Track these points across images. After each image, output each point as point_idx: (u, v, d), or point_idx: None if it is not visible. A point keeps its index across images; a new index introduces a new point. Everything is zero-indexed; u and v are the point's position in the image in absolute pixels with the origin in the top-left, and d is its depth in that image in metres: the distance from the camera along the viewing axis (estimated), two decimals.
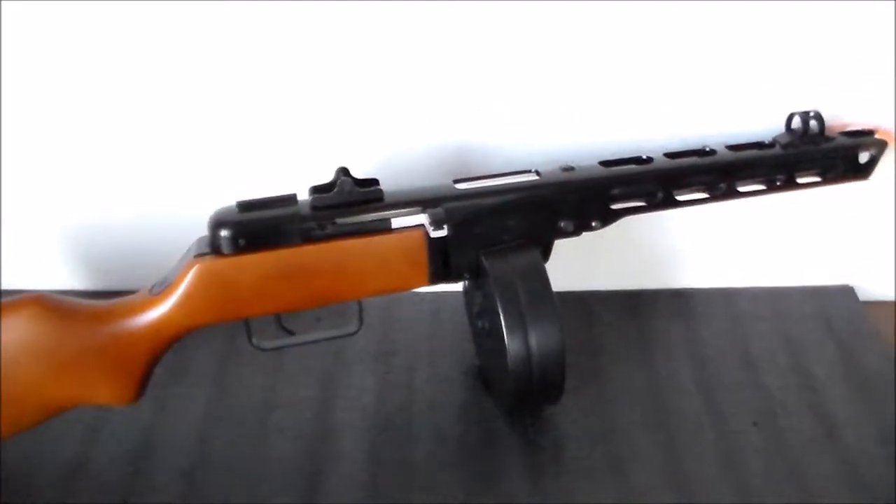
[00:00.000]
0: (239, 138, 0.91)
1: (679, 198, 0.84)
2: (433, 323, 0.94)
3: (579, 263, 0.94)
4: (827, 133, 0.86)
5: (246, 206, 0.75)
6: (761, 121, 0.88)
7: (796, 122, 0.86)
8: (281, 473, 0.79)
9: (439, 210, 0.77)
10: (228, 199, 0.77)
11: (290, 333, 0.80)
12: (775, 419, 0.83)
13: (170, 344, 0.77)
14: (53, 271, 0.97)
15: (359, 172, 0.78)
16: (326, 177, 0.77)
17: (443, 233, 0.76)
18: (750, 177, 0.85)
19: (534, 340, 0.76)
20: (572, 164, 0.82)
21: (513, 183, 0.80)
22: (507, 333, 0.76)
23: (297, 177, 0.81)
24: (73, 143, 0.91)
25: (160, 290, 0.76)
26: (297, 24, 0.85)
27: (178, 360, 0.88)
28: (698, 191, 0.85)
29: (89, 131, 0.90)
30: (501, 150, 0.90)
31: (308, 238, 0.75)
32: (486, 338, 0.83)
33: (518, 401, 0.80)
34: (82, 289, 0.98)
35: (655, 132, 0.89)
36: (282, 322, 0.80)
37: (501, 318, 0.76)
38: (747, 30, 0.85)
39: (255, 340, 0.79)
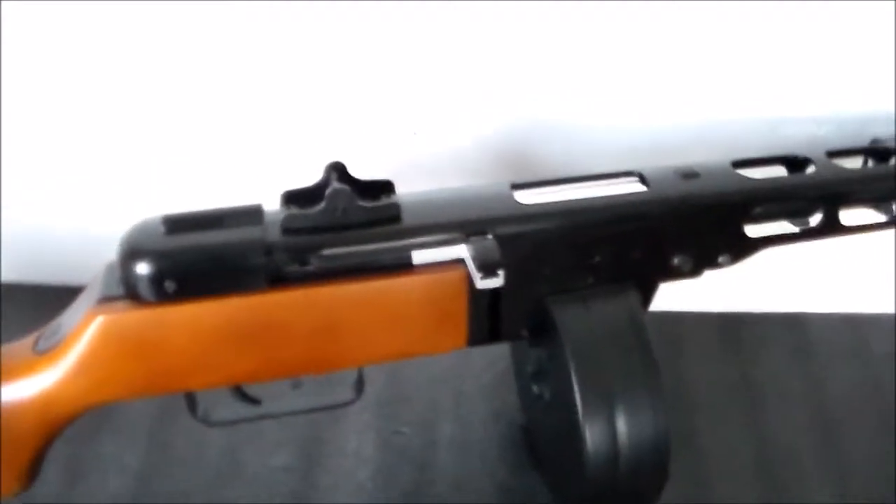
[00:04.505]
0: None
1: (846, 221, 0.51)
2: (460, 358, 0.62)
3: None
4: None
5: (178, 224, 0.44)
6: None
7: None
8: None
9: (490, 243, 0.44)
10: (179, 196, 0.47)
11: (255, 403, 0.49)
12: None
13: (67, 422, 0.47)
14: None
15: (363, 170, 0.45)
16: (310, 176, 0.45)
17: (496, 282, 0.44)
18: None
19: (623, 429, 0.47)
20: (693, 166, 0.49)
21: (610, 198, 0.47)
22: (585, 417, 0.47)
23: (266, 175, 0.51)
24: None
25: (49, 345, 0.45)
26: None
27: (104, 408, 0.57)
28: (869, 208, 0.52)
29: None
30: (583, 134, 0.57)
31: (278, 279, 0.44)
32: (543, 407, 0.52)
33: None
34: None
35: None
36: (243, 390, 0.49)
37: (578, 396, 0.46)
38: None
39: (200, 412, 0.49)
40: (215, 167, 0.61)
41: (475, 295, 0.46)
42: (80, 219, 0.64)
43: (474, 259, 0.44)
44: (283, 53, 0.56)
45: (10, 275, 0.67)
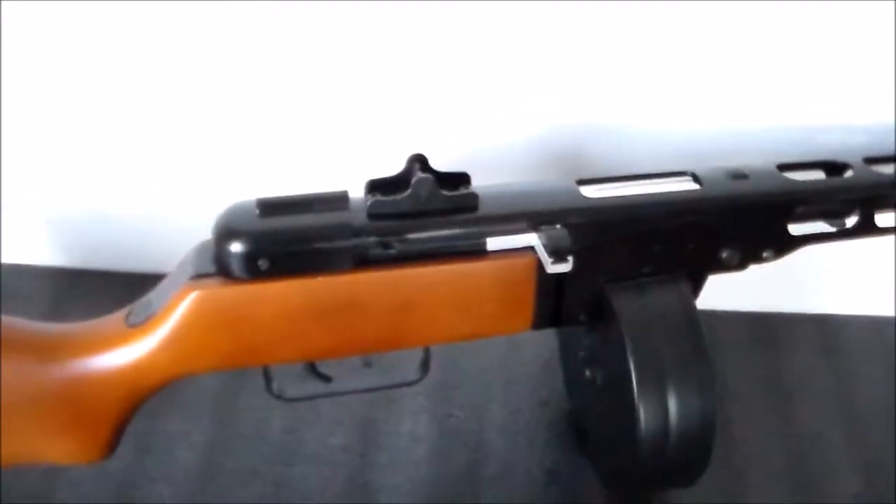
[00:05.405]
0: (272, 101, 0.62)
1: (880, 223, 0.55)
2: (509, 349, 0.65)
3: None
4: None
5: (271, 208, 0.47)
6: None
7: None
8: None
9: (560, 231, 0.48)
10: (248, 185, 0.50)
11: (327, 380, 0.52)
12: None
13: (153, 392, 0.50)
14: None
15: (437, 163, 0.48)
16: (388, 167, 0.48)
17: (565, 267, 0.47)
18: None
19: (674, 409, 0.50)
20: (742, 168, 0.53)
21: (668, 194, 0.51)
22: (639, 398, 0.50)
23: (344, 166, 0.54)
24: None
25: (142, 319, 0.48)
26: None
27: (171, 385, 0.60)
28: None
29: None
30: (632, 137, 0.60)
31: (363, 261, 0.47)
32: (595, 391, 0.55)
33: (641, 484, 0.55)
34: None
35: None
36: (316, 368, 0.51)
37: (634, 377, 0.50)
38: None
39: (275, 387, 0.51)
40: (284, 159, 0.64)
41: (543, 280, 0.49)
42: (149, 207, 0.66)
43: (546, 245, 0.47)
44: (334, 56, 0.59)
45: (76, 261, 0.70)
